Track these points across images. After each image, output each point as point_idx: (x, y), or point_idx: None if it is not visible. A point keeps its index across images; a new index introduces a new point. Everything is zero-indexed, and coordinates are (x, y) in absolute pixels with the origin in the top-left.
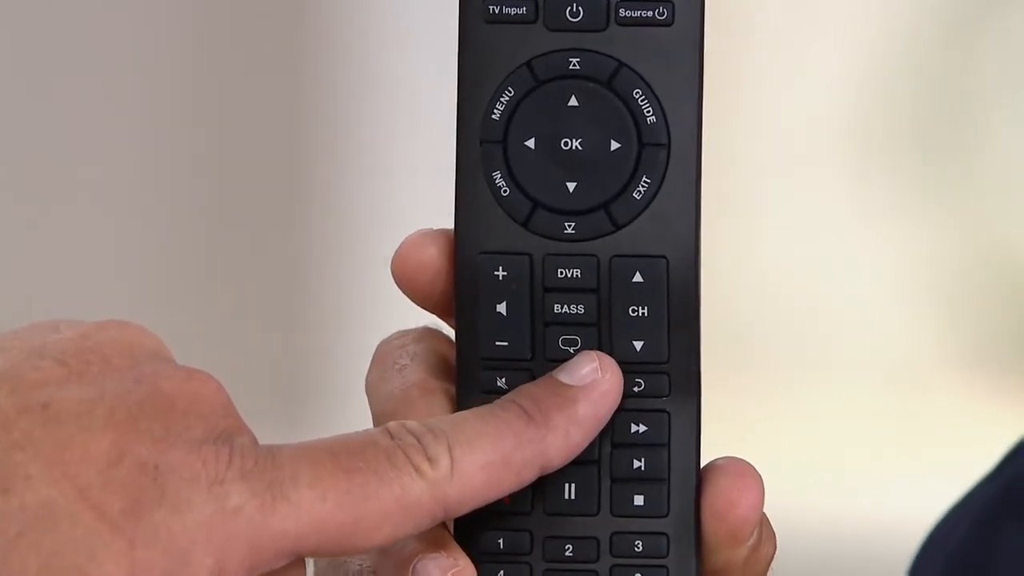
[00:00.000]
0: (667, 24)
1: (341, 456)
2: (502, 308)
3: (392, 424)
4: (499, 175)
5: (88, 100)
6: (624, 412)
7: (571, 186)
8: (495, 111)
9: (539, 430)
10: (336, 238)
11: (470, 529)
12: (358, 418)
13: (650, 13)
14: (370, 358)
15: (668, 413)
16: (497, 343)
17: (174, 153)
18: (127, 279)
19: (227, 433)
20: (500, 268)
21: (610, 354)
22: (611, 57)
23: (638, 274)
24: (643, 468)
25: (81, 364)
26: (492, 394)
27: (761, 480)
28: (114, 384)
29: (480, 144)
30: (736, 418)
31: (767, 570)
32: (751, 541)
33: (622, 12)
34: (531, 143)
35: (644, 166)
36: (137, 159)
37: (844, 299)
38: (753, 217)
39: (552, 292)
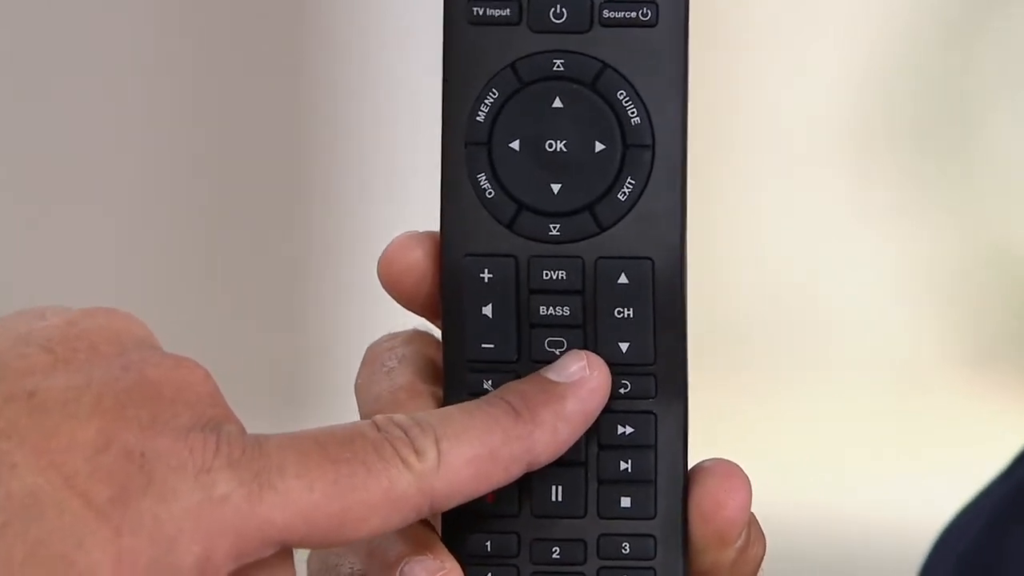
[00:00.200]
0: (651, 25)
1: (329, 447)
2: (488, 310)
3: (379, 417)
4: (484, 177)
5: (88, 100)
6: (611, 414)
7: (556, 188)
8: (479, 113)
9: (526, 426)
10: (336, 238)
11: (457, 531)
12: (357, 418)
13: (634, 14)
14: None
15: (655, 414)
16: (483, 345)
17: (174, 153)
18: (127, 279)
19: (214, 421)
20: (485, 270)
21: None
22: (595, 58)
23: (623, 275)
24: (630, 470)
25: (68, 352)
26: (479, 396)
27: (748, 481)
28: (101, 371)
29: (465, 146)
30: (736, 418)
31: (756, 571)
32: (739, 543)
33: (606, 13)
34: (516, 145)
35: (629, 167)
36: (137, 159)
37: (844, 298)
38: (753, 217)
39: (537, 294)
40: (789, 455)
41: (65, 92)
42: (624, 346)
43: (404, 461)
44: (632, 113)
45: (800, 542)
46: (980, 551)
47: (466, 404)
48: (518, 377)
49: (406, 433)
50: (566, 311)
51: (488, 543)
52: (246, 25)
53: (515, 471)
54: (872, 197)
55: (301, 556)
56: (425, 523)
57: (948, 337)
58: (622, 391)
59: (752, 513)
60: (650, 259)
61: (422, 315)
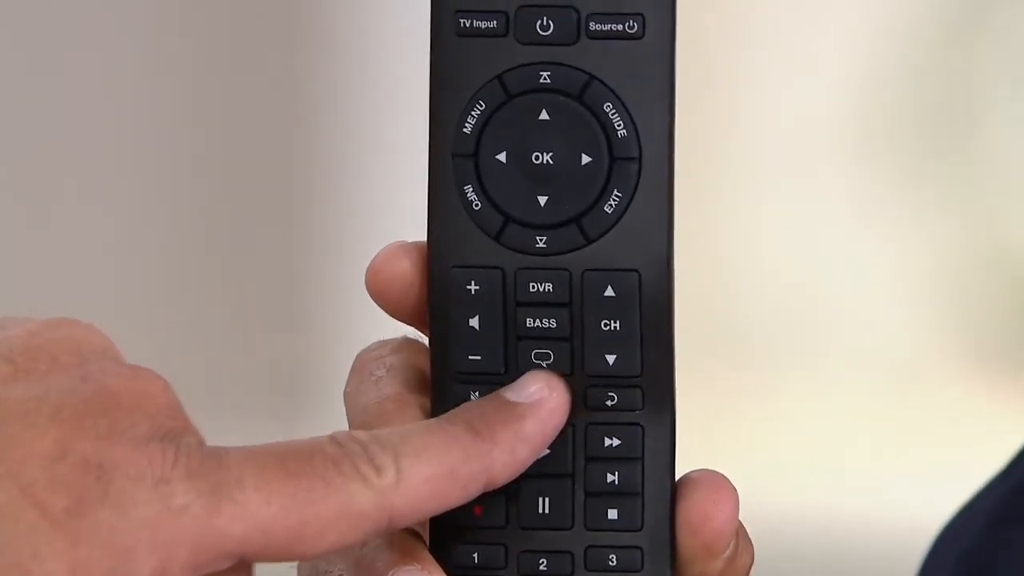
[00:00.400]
0: (638, 37)
1: (288, 461)
2: (475, 322)
3: (339, 433)
4: (471, 189)
5: (88, 100)
6: (598, 426)
7: (542, 200)
8: (466, 125)
9: (485, 444)
10: (336, 239)
11: (445, 542)
12: None
13: (621, 26)
14: None
15: (642, 427)
16: (470, 357)
17: (174, 153)
18: (127, 279)
19: (173, 432)
20: (472, 282)
21: (582, 368)
22: (582, 70)
23: (610, 288)
24: (617, 482)
25: (28, 362)
26: None
27: (736, 493)
28: (60, 382)
29: (452, 158)
30: (736, 417)
31: None
32: (727, 553)
33: (593, 25)
34: (502, 157)
35: (615, 180)
36: (137, 159)
37: (844, 298)
38: (753, 216)
39: (524, 306)
40: (789, 454)
41: (65, 92)
42: (611, 358)
43: (363, 477)
44: (619, 125)
45: (800, 541)
46: (979, 551)
47: (426, 422)
48: None
49: (365, 450)
50: (553, 323)
51: (475, 554)
52: (246, 25)
53: (473, 490)
54: (872, 197)
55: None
56: (413, 533)
57: (948, 336)
58: (609, 403)
59: (740, 522)
60: (636, 271)
61: (410, 325)
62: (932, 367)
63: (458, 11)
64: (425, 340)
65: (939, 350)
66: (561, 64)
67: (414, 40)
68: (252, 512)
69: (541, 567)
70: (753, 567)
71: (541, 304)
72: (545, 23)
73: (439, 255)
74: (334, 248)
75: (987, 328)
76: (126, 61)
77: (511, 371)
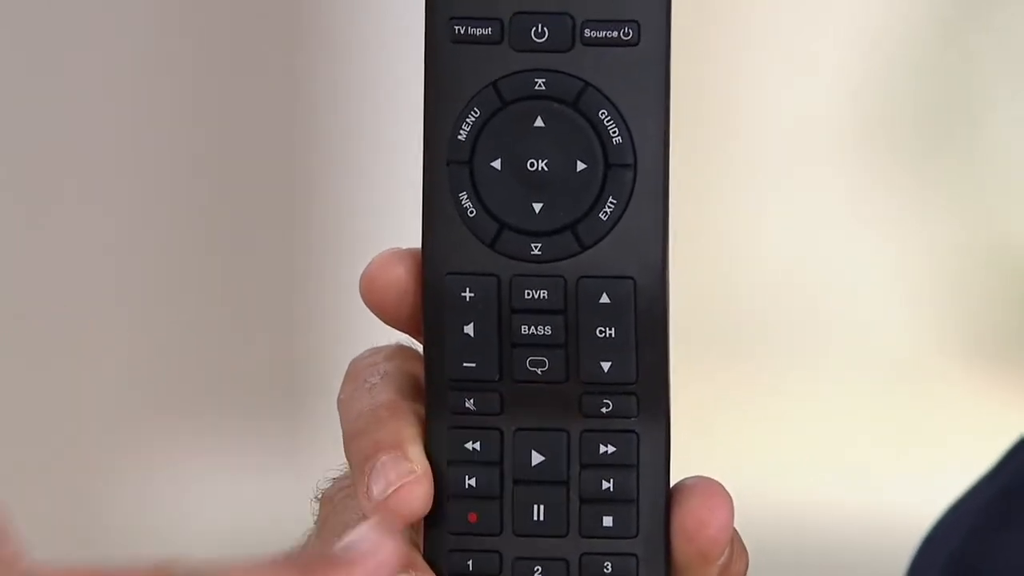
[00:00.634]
0: (633, 44)
1: None
2: (469, 329)
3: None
4: (465, 196)
5: (88, 100)
6: (593, 433)
7: (537, 207)
8: (461, 132)
9: None
10: (336, 239)
11: (439, 549)
12: None
13: (616, 33)
14: None
15: (637, 434)
16: (465, 364)
17: (174, 153)
18: (127, 279)
19: None
20: (467, 289)
21: (577, 375)
22: (577, 77)
23: (605, 295)
24: (612, 489)
25: None
26: (460, 415)
27: (731, 499)
28: None
29: (446, 165)
30: (736, 415)
31: None
32: (722, 559)
33: (588, 32)
34: (497, 164)
35: (610, 187)
36: (137, 159)
37: (845, 298)
38: (753, 216)
39: (519, 313)
40: (789, 453)
41: (65, 92)
42: (606, 365)
43: None
44: (614, 132)
45: (799, 540)
46: (968, 552)
47: (256, 562)
48: (500, 396)
49: None
50: (548, 330)
51: (470, 561)
52: (246, 25)
53: None
54: (872, 196)
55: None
56: (408, 541)
57: (948, 335)
58: (604, 411)
59: (735, 529)
60: (632, 279)
61: (405, 332)
62: (932, 366)
63: (453, 18)
64: (419, 347)
65: (939, 349)
66: (556, 71)
67: (414, 40)
68: None
69: (536, 574)
70: (751, 564)
71: (536, 311)
72: (540, 30)
73: (434, 262)
74: (334, 248)
75: (987, 327)
76: (126, 61)
77: (505, 378)
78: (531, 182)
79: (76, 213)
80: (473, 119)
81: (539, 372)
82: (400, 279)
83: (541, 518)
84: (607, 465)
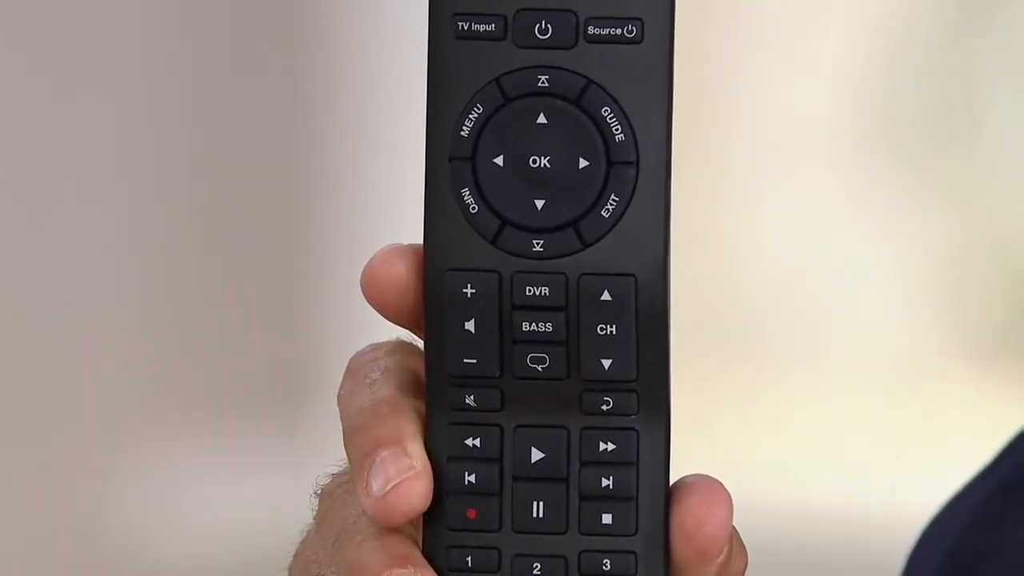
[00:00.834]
0: (636, 42)
1: None
2: (470, 325)
3: None
4: (468, 192)
5: (88, 100)
6: (593, 430)
7: (539, 204)
8: (464, 128)
9: None
10: (336, 239)
11: (438, 545)
12: None
13: (619, 31)
14: None
15: (637, 431)
16: (465, 360)
17: (174, 153)
18: (127, 279)
19: None
20: (468, 285)
21: (578, 372)
22: (580, 74)
23: (606, 292)
24: (611, 486)
25: None
26: (461, 411)
27: (730, 498)
28: None
29: (449, 161)
30: (737, 415)
31: None
32: (720, 558)
33: (591, 29)
34: (500, 160)
35: (612, 184)
36: (137, 159)
37: (845, 296)
38: (754, 215)
39: (520, 310)
40: (789, 452)
41: (65, 92)
42: (607, 363)
43: None
44: (616, 129)
45: (799, 539)
46: (964, 549)
47: None
48: (500, 392)
49: None
50: (549, 327)
51: (469, 558)
52: (246, 25)
53: None
54: (872, 195)
55: (282, 562)
56: (407, 537)
57: (948, 335)
58: (604, 408)
59: (734, 527)
60: (633, 276)
61: (406, 328)
62: (932, 366)
63: (456, 14)
64: (420, 342)
65: (939, 349)
66: (559, 68)
67: (414, 40)
68: None
69: (535, 571)
70: (751, 563)
71: (537, 308)
72: (544, 27)
73: (435, 258)
74: (334, 248)
75: (987, 326)
76: (126, 61)
77: (506, 375)
78: (533, 179)
79: (76, 213)
80: (476, 115)
81: (540, 369)
82: (401, 275)
83: (540, 515)
84: (607, 462)
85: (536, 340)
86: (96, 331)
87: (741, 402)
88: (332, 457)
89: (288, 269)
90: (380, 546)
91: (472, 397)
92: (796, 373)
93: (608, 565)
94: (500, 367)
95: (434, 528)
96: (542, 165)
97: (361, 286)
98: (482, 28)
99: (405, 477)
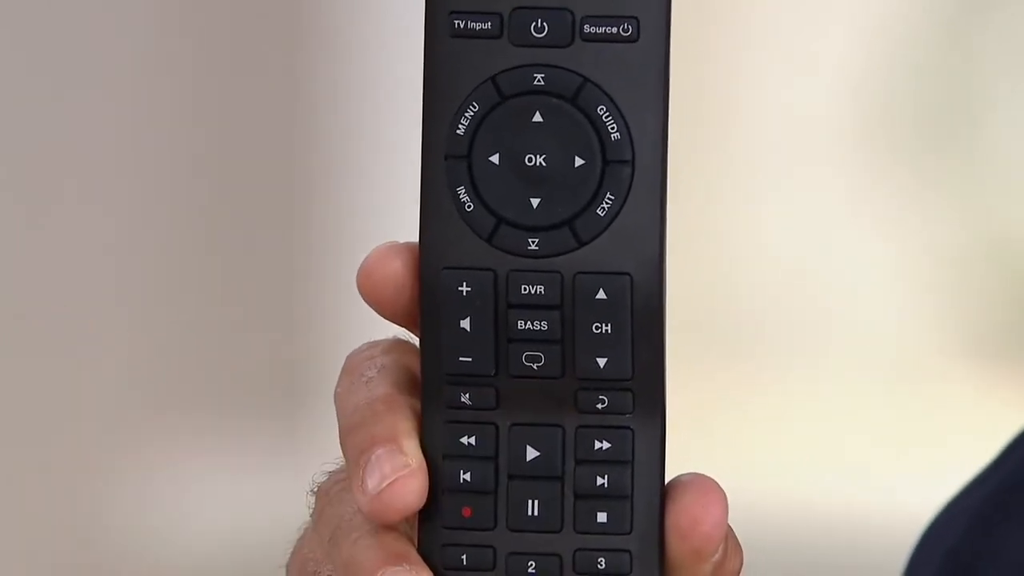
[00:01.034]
0: (632, 40)
1: None
2: (466, 324)
3: None
4: (463, 190)
5: (88, 100)
6: (588, 429)
7: (535, 202)
8: (460, 126)
9: None
10: (336, 239)
11: (433, 543)
12: None
13: (615, 29)
14: None
15: (632, 430)
16: (461, 359)
17: (174, 153)
18: (127, 279)
19: None
20: (464, 284)
21: (573, 370)
22: (576, 73)
23: (601, 291)
24: (607, 485)
25: None
26: (456, 409)
27: (725, 497)
28: None
29: (444, 159)
30: (737, 414)
31: None
32: (716, 557)
33: (587, 28)
34: (495, 159)
35: (608, 183)
36: (137, 159)
37: (845, 296)
38: (754, 215)
39: (516, 308)
40: (788, 451)
41: (65, 92)
42: (602, 361)
43: None
44: (612, 128)
45: (799, 538)
46: (965, 549)
47: None
48: (496, 391)
49: None
50: (544, 326)
51: (464, 556)
52: (246, 25)
53: None
54: (872, 195)
55: (281, 561)
56: (402, 535)
57: (948, 335)
58: (599, 407)
59: (729, 526)
60: (628, 275)
61: (402, 326)
62: (932, 366)
63: (452, 12)
64: (416, 340)
65: (939, 349)
66: (555, 66)
67: (414, 40)
68: None
69: (530, 569)
70: (750, 563)
71: (532, 306)
72: (540, 25)
73: (431, 256)
74: (334, 248)
75: (987, 326)
76: (126, 61)
77: (501, 373)
78: (529, 177)
79: (76, 213)
80: (472, 113)
81: (535, 367)
82: (397, 273)
83: (535, 513)
84: (602, 461)
85: (531, 339)
86: (96, 331)
87: (741, 402)
88: (332, 457)
89: (288, 269)
90: (375, 544)
91: (467, 395)
92: (796, 373)
93: (603, 564)
94: (495, 365)
95: (429, 526)
96: (538, 163)
97: (357, 284)
98: (478, 26)
99: (400, 475)
